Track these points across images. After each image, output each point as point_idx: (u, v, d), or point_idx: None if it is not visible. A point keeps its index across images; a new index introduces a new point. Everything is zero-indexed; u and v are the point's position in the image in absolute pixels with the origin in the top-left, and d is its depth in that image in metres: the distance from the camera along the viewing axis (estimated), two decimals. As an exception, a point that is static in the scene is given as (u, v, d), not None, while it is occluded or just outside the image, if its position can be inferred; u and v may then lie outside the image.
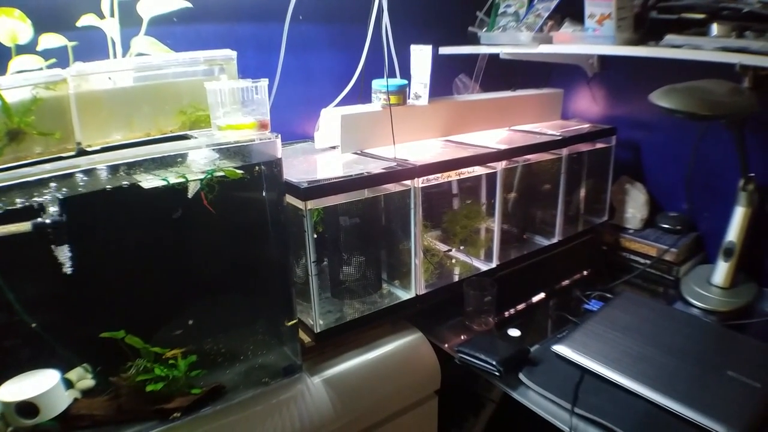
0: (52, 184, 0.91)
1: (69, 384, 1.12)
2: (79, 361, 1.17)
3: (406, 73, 1.73)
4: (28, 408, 1.01)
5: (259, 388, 1.23)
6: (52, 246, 0.96)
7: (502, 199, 1.65)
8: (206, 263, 1.29)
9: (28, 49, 1.13)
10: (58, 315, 1.11)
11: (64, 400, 1.07)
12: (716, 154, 1.76)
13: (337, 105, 1.70)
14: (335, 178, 1.29)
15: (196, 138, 1.15)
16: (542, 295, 1.72)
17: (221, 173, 1.09)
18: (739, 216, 1.60)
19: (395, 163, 1.42)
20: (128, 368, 1.14)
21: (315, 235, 1.31)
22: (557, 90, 2.15)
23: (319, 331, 1.34)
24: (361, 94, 1.74)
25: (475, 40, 2.06)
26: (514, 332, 1.50)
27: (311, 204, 1.25)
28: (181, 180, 1.05)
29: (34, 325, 1.09)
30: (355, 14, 1.73)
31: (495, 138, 1.79)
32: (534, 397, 1.24)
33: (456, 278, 1.63)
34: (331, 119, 1.57)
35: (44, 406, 1.03)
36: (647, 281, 1.83)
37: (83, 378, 1.16)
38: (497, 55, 2.02)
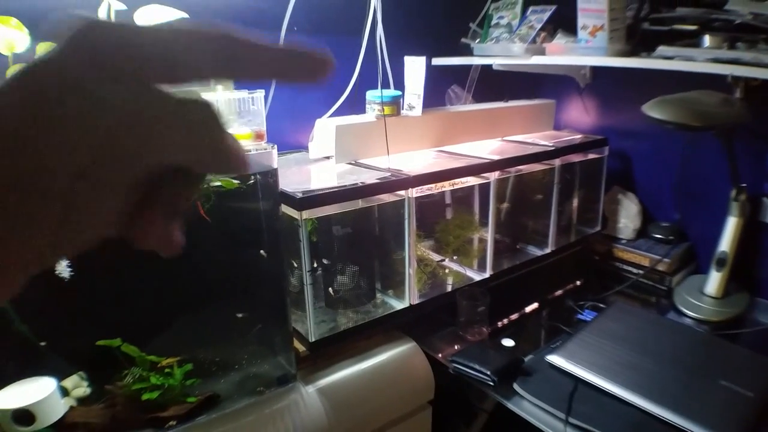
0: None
1: (65, 392, 1.12)
2: (74, 369, 1.16)
3: (399, 84, 1.73)
4: (24, 415, 1.01)
5: (254, 398, 1.23)
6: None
7: (495, 209, 1.65)
8: (202, 272, 1.29)
9: (26, 58, 1.13)
10: (55, 323, 1.11)
11: (60, 408, 1.07)
12: (707, 163, 1.78)
13: (332, 115, 1.71)
14: (330, 188, 1.30)
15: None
16: (535, 305, 1.73)
17: (218, 183, 1.09)
18: (731, 226, 1.61)
19: (389, 174, 1.43)
20: (124, 376, 1.14)
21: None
22: (549, 101, 2.16)
23: (313, 340, 1.34)
24: (355, 105, 1.74)
25: (468, 52, 2.07)
26: (507, 342, 1.50)
27: (306, 214, 1.25)
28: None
29: (43, 343, 1.09)
30: (349, 26, 1.74)
31: (488, 148, 1.80)
32: (528, 407, 1.24)
33: (449, 288, 1.63)
34: (325, 129, 1.57)
35: (40, 414, 1.02)
36: (640, 291, 1.83)
37: (79, 386, 1.16)
38: (490, 66, 2.03)
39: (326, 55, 0.31)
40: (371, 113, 1.64)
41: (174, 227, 0.32)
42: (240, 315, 1.32)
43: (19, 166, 0.25)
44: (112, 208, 0.28)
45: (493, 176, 1.60)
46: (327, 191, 1.28)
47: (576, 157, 1.90)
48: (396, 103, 1.65)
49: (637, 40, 1.66)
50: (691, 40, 1.55)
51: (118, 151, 0.27)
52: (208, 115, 0.29)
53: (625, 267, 1.92)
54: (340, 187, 1.31)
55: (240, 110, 1.12)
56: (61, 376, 1.12)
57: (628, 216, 1.99)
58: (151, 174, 0.29)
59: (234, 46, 0.30)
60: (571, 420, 1.16)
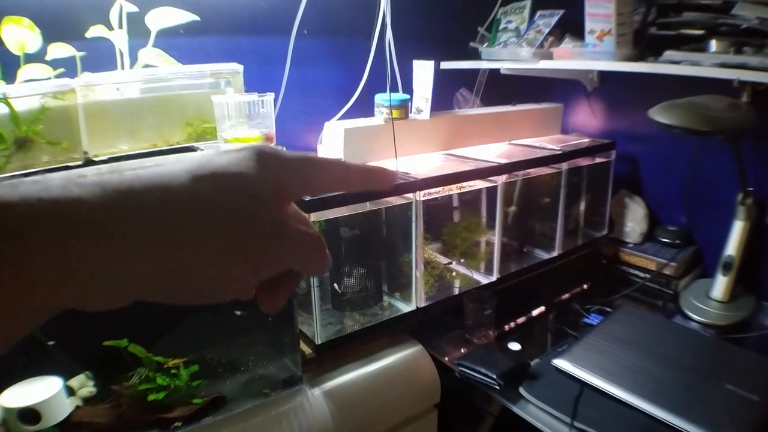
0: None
1: (71, 391, 1.12)
2: (81, 369, 1.17)
3: (408, 87, 1.74)
4: (30, 414, 1.02)
5: (260, 399, 1.23)
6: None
7: (503, 212, 1.65)
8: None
9: (37, 58, 1.14)
10: (63, 322, 1.11)
11: (66, 407, 1.08)
12: (714, 167, 1.78)
13: (341, 118, 1.72)
14: (338, 190, 1.30)
15: (202, 150, 1.16)
16: (542, 308, 1.73)
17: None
18: (737, 230, 1.61)
19: (397, 177, 1.43)
20: (130, 377, 1.14)
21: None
22: (557, 104, 2.17)
23: (320, 342, 1.35)
24: (364, 108, 1.75)
25: (476, 56, 2.08)
26: (514, 345, 1.50)
27: (314, 216, 1.26)
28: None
29: (51, 342, 1.09)
30: (358, 30, 1.74)
31: (495, 152, 1.80)
32: (534, 411, 1.24)
33: (456, 291, 1.63)
34: (334, 132, 1.58)
35: (46, 413, 1.03)
36: (646, 295, 1.83)
37: (85, 386, 1.16)
38: (498, 70, 2.03)
39: (395, 173, 0.47)
40: (380, 116, 1.65)
41: (286, 297, 0.46)
42: (238, 312, 1.32)
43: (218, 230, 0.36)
44: (254, 284, 0.40)
45: (501, 179, 1.60)
46: (335, 193, 1.28)
47: (583, 161, 1.90)
48: (404, 107, 1.66)
49: (644, 45, 1.66)
50: (698, 44, 1.55)
51: (272, 253, 0.39)
52: (322, 246, 0.42)
53: (632, 271, 1.92)
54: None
55: (250, 113, 1.13)
56: (67, 375, 1.13)
57: (635, 219, 1.99)
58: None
59: (347, 171, 0.44)
60: (577, 424, 1.16)
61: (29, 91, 1.03)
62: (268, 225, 0.38)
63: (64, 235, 0.30)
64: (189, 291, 0.37)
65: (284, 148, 1.12)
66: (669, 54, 1.54)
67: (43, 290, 0.30)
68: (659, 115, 1.42)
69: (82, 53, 1.19)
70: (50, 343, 1.10)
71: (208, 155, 0.38)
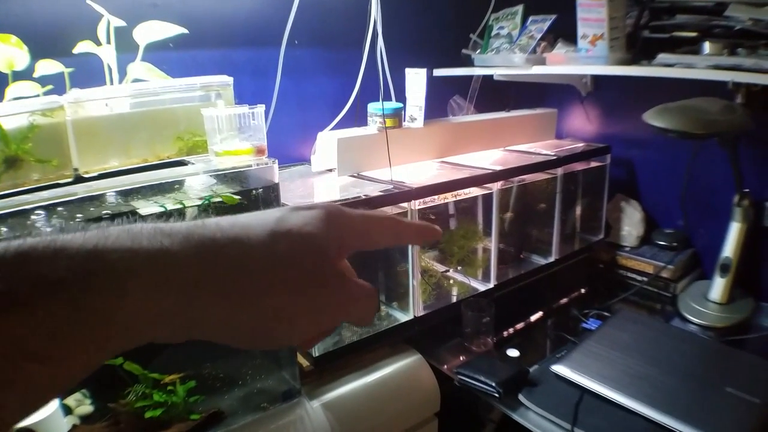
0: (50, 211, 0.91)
1: (68, 410, 1.11)
2: (77, 387, 1.16)
3: (401, 96, 1.74)
4: (26, 435, 1.01)
5: (258, 413, 1.22)
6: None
7: (499, 219, 1.65)
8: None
9: (25, 75, 1.13)
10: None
11: (62, 426, 1.07)
12: (710, 169, 1.77)
13: (334, 128, 1.71)
14: (333, 201, 1.29)
15: (193, 164, 1.15)
16: (540, 314, 1.72)
17: (219, 199, 1.09)
18: (734, 232, 1.60)
19: (392, 186, 1.43)
20: (127, 394, 1.13)
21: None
22: (551, 110, 2.16)
23: (317, 355, 1.34)
24: (357, 118, 1.74)
25: (469, 62, 2.07)
26: (513, 352, 1.49)
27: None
28: (179, 206, 1.05)
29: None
30: (350, 39, 1.74)
31: (490, 159, 1.79)
32: (534, 418, 1.24)
33: (454, 299, 1.63)
34: (327, 142, 1.57)
35: (43, 433, 1.02)
36: (645, 298, 1.83)
37: (82, 404, 1.15)
38: (491, 76, 2.03)
39: (438, 228, 0.50)
40: (373, 126, 1.64)
41: (324, 338, 0.48)
42: None
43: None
44: (313, 335, 0.43)
45: (496, 186, 1.60)
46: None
47: (578, 166, 1.90)
48: (398, 115, 1.65)
49: (637, 48, 1.66)
50: (692, 47, 1.55)
51: (336, 312, 0.43)
52: (376, 300, 0.46)
53: (630, 274, 1.91)
54: (343, 200, 1.31)
55: (241, 125, 1.12)
56: (63, 393, 1.12)
57: (632, 223, 1.98)
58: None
59: (398, 227, 0.48)
60: (577, 431, 1.15)
61: (17, 109, 1.02)
62: (334, 285, 0.42)
63: (153, 282, 0.33)
64: (255, 340, 0.39)
65: (276, 161, 1.12)
66: (662, 57, 1.54)
67: (124, 330, 0.33)
68: (654, 118, 1.41)
69: (70, 69, 1.18)
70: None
71: (283, 212, 0.42)
